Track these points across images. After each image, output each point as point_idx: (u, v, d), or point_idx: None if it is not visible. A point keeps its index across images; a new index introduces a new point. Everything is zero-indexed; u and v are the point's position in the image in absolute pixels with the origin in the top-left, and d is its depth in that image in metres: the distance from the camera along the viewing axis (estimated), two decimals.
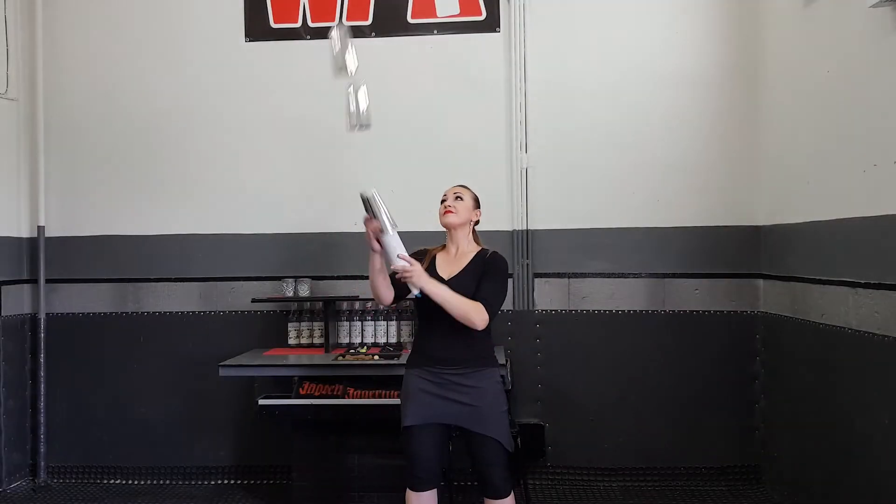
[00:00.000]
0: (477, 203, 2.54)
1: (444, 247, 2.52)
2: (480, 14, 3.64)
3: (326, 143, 3.70)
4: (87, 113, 3.81)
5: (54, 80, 3.82)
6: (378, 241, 2.28)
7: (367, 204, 2.25)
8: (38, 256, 3.77)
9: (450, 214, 2.44)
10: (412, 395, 2.37)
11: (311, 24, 3.70)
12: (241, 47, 3.74)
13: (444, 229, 2.50)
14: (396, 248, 2.26)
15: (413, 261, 2.26)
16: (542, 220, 3.61)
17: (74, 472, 3.79)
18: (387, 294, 2.41)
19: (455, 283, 2.34)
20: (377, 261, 2.33)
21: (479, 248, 2.49)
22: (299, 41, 3.72)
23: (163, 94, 3.77)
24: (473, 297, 2.30)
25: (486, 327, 2.35)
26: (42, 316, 3.77)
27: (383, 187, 3.54)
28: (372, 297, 2.46)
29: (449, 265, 2.44)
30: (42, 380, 3.76)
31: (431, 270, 2.42)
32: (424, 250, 2.52)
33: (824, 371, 2.92)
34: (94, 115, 3.81)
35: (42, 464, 3.76)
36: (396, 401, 2.63)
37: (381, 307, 3.51)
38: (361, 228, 3.55)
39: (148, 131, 3.78)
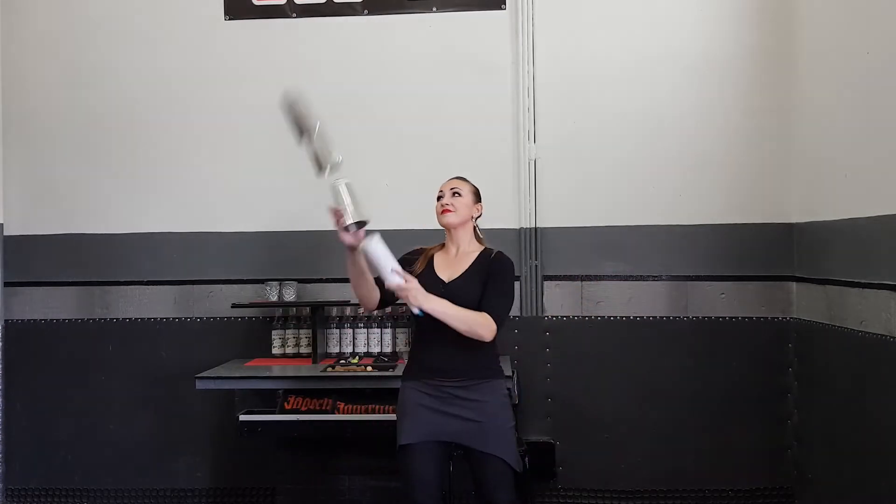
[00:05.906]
0: (477, 197, 2.53)
1: (443, 246, 2.51)
2: None
3: None
4: (49, 100, 3.78)
5: (11, 62, 3.77)
6: (351, 244, 2.21)
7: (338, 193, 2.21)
8: None
9: (448, 214, 2.42)
10: (409, 411, 2.36)
11: (297, 2, 3.69)
12: (220, 26, 3.71)
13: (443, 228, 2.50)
14: (386, 259, 2.18)
15: (409, 276, 2.21)
16: (552, 218, 3.60)
17: (36, 495, 3.76)
18: (372, 296, 2.36)
19: (457, 287, 2.34)
20: (360, 261, 2.26)
21: (483, 248, 2.48)
22: (285, 19, 3.70)
23: (133, 77, 3.74)
24: (479, 306, 2.29)
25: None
26: None
27: (377, 180, 3.60)
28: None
29: (449, 267, 2.43)
30: None
31: (430, 272, 2.41)
32: (421, 250, 2.52)
33: (864, 384, 2.90)
34: (57, 103, 3.77)
35: (0, 486, 3.73)
36: (391, 416, 2.64)
37: (375, 313, 3.46)
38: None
39: (117, 119, 3.75)
